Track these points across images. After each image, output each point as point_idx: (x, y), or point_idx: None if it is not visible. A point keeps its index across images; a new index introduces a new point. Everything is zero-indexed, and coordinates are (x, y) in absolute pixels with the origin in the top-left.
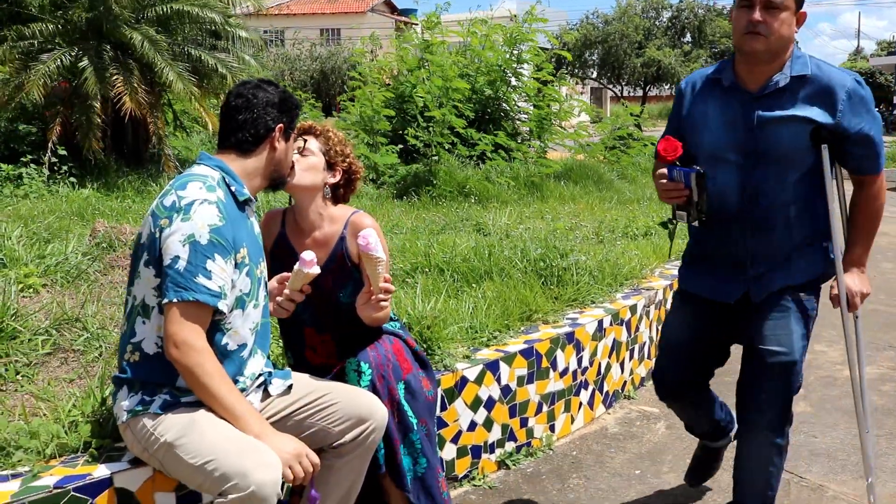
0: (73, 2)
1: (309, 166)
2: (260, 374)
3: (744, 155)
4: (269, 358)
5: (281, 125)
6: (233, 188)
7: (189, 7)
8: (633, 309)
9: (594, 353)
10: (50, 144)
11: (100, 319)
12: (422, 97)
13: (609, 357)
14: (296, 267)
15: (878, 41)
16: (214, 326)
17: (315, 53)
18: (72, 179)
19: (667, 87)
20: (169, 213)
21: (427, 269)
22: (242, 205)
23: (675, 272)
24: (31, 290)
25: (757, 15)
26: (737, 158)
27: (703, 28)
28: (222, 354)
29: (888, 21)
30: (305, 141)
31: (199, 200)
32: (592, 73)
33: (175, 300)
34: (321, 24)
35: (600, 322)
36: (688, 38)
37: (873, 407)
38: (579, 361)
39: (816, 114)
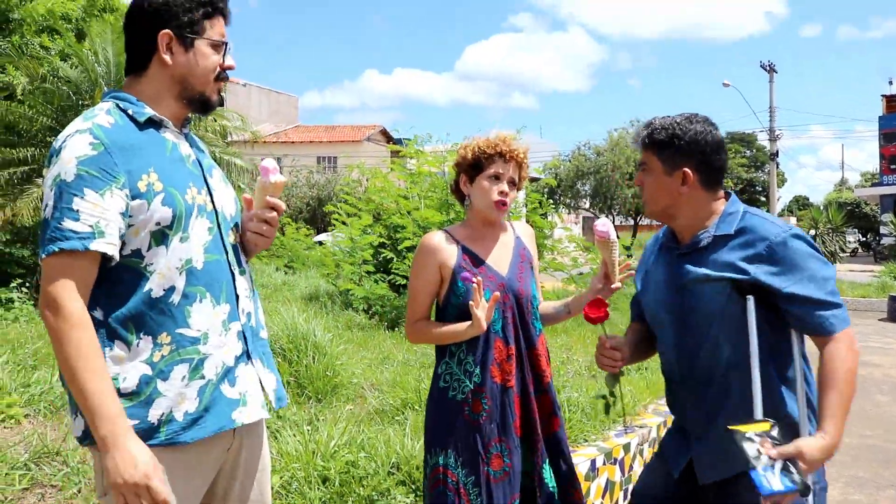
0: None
1: (513, 198)
2: (239, 334)
3: (674, 314)
4: (248, 321)
5: (166, 32)
6: (129, 111)
7: None
8: (626, 447)
9: (587, 494)
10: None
11: (81, 453)
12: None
13: (602, 497)
14: (259, 180)
15: (862, 172)
16: (134, 270)
17: (312, 181)
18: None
19: None
20: (48, 163)
21: (418, 406)
22: (149, 126)
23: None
24: (12, 420)
25: (637, 178)
26: (669, 318)
27: None
28: (149, 305)
29: (867, 154)
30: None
31: (71, 134)
32: (585, 202)
33: (43, 255)
34: (318, 153)
35: (593, 461)
36: None
37: None
38: None
39: (734, 271)
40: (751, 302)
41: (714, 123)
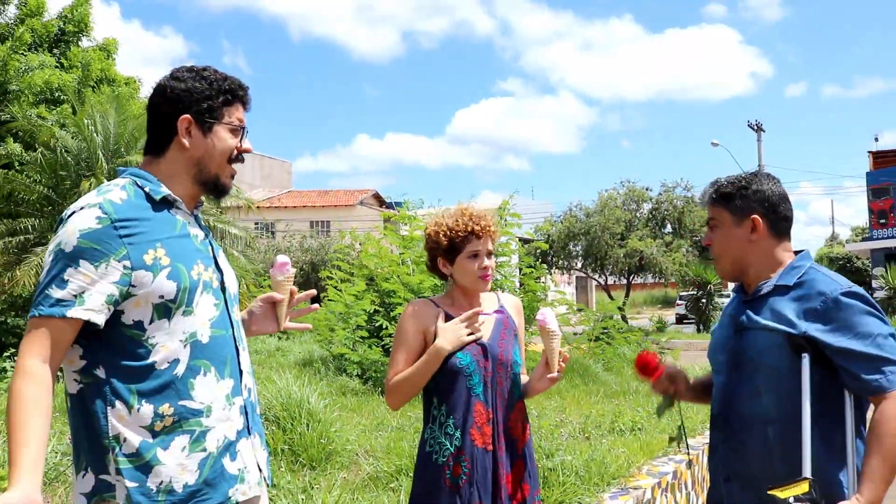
0: (64, 199)
1: (493, 266)
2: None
3: (728, 356)
4: (249, 397)
5: (186, 117)
6: (146, 188)
7: None
8: None
9: None
10: None
11: None
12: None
13: None
14: (274, 277)
15: (853, 227)
16: (136, 342)
17: (305, 245)
18: (59, 373)
19: (650, 275)
20: (54, 231)
21: (412, 473)
22: (163, 205)
23: (663, 468)
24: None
25: (706, 238)
26: (724, 358)
27: (682, 219)
28: (153, 377)
29: (855, 209)
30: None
31: (82, 206)
32: (577, 263)
33: (28, 318)
34: (312, 217)
35: None
36: (668, 228)
37: None
38: None
39: (787, 324)
40: (806, 360)
41: (776, 178)
